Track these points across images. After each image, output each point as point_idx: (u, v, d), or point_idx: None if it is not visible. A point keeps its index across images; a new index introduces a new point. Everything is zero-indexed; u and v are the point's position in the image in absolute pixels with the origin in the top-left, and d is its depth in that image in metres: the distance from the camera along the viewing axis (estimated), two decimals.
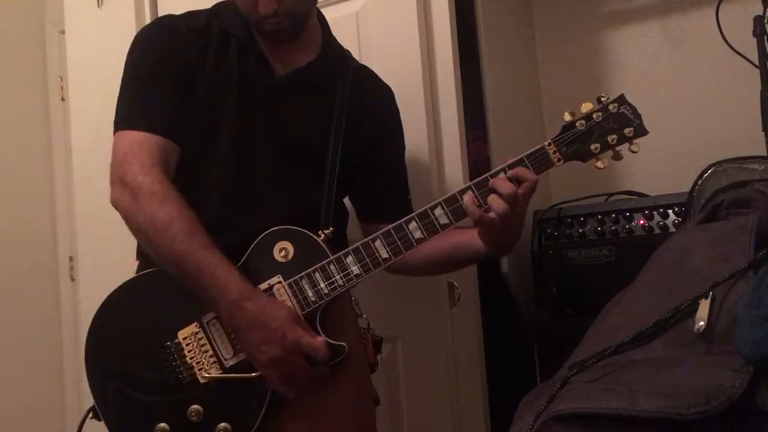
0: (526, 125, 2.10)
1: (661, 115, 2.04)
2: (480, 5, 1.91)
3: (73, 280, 2.87)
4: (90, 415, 1.32)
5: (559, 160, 1.28)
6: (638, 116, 1.28)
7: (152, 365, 1.28)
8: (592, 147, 1.28)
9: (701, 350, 0.82)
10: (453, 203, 1.27)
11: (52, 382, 2.88)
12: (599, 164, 1.30)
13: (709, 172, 1.32)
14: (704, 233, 1.03)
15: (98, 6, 2.15)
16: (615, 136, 1.28)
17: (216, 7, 1.43)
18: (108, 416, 1.30)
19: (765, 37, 1.51)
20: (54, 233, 2.95)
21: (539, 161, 1.28)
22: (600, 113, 1.28)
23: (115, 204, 1.29)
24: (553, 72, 2.19)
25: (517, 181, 1.25)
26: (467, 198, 1.26)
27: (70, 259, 2.90)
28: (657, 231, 1.65)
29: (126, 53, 1.38)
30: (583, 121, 1.28)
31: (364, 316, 1.45)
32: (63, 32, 2.35)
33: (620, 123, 1.28)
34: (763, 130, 1.47)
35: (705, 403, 0.70)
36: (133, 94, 1.34)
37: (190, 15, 1.41)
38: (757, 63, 1.51)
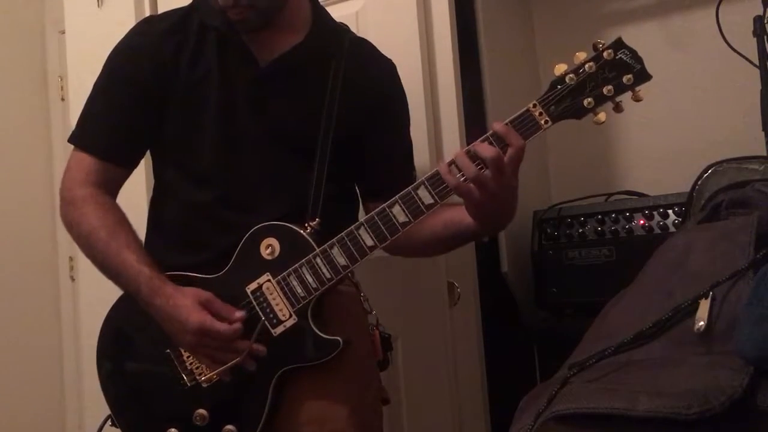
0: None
1: (661, 115, 2.04)
2: (480, 5, 1.91)
3: (73, 280, 2.87)
4: (109, 422, 1.35)
5: (546, 122, 1.16)
6: (639, 60, 1.15)
7: (157, 373, 1.30)
8: (585, 102, 1.15)
9: (701, 350, 0.82)
10: (437, 181, 1.19)
11: (52, 382, 2.88)
12: (599, 118, 1.16)
13: (709, 172, 1.32)
14: (704, 233, 1.03)
15: (98, 6, 2.15)
16: (611, 87, 1.14)
17: (196, 1, 1.39)
18: (122, 424, 1.33)
19: (765, 37, 1.51)
20: (54, 233, 2.94)
21: (524, 126, 1.16)
22: (593, 63, 1.15)
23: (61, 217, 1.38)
24: (553, 72, 2.19)
25: (501, 145, 1.14)
26: (443, 167, 1.17)
27: (70, 259, 2.89)
28: (657, 231, 1.65)
29: None
30: (573, 75, 1.16)
31: (373, 312, 1.42)
32: (63, 32, 2.35)
33: (617, 71, 1.14)
34: (763, 130, 1.47)
35: (705, 403, 0.70)
36: (87, 112, 1.39)
37: (170, 13, 1.40)
38: (757, 63, 1.51)
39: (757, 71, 1.50)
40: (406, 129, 1.49)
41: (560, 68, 1.18)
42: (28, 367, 2.81)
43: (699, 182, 1.33)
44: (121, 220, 1.33)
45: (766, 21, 1.51)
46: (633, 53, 1.15)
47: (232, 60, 1.34)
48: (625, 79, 1.15)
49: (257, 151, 1.34)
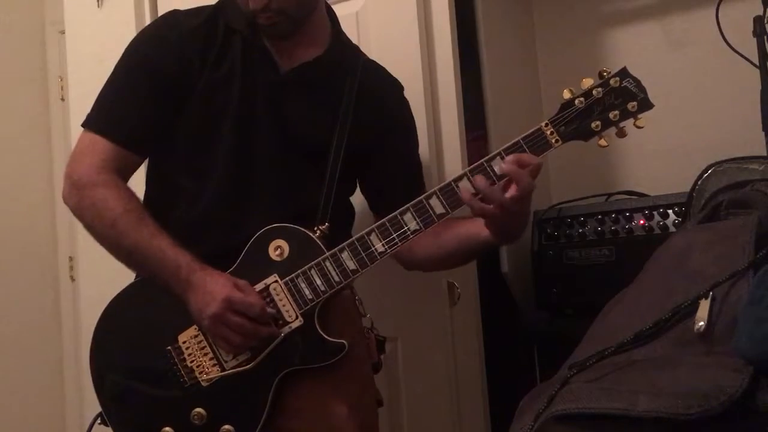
0: (526, 125, 2.09)
1: (661, 115, 2.03)
2: (480, 5, 1.91)
3: (73, 280, 2.87)
4: (98, 421, 1.34)
5: (557, 141, 1.22)
6: (642, 89, 1.22)
7: (155, 370, 1.29)
8: (593, 125, 1.22)
9: (701, 350, 0.82)
10: (448, 192, 1.24)
11: (52, 382, 2.88)
12: (602, 142, 1.23)
13: (709, 172, 1.32)
14: (704, 233, 1.03)
15: (98, 6, 2.14)
16: (617, 112, 1.21)
17: (222, 2, 1.41)
18: (114, 421, 1.31)
19: (765, 37, 1.51)
20: (54, 233, 2.95)
21: (536, 143, 1.22)
22: (600, 89, 1.21)
23: (64, 199, 1.34)
24: (553, 71, 2.19)
25: (519, 166, 1.20)
26: (465, 192, 1.21)
27: (70, 259, 2.90)
28: (657, 231, 1.65)
29: None
30: (582, 99, 1.22)
31: (367, 315, 1.44)
32: (63, 32, 2.35)
33: (623, 98, 1.21)
34: (763, 130, 1.47)
35: (705, 404, 0.70)
36: (107, 96, 1.37)
37: (197, 11, 1.40)
38: (757, 63, 1.51)
39: (757, 71, 1.50)
40: (413, 146, 1.54)
41: (568, 93, 1.23)
42: (28, 367, 2.81)
43: (699, 182, 1.33)
44: (144, 207, 1.32)
45: (766, 21, 1.51)
46: (637, 82, 1.22)
47: (255, 64, 1.36)
48: (630, 106, 1.22)
49: (271, 153, 1.35)
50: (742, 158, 1.32)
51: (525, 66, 2.19)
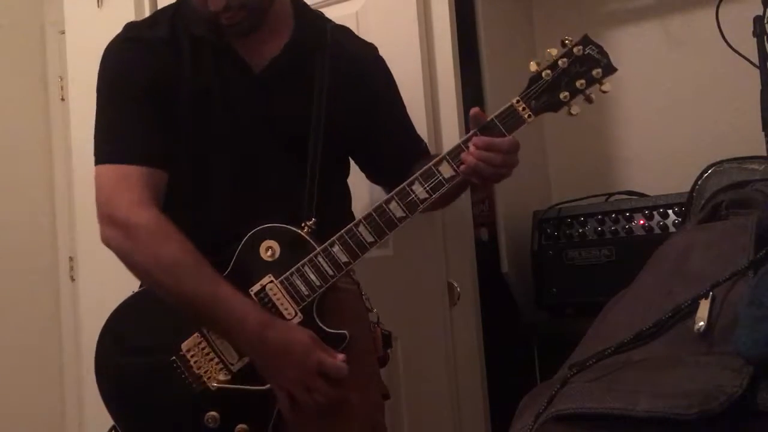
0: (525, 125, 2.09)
1: (661, 115, 2.04)
2: (480, 5, 1.91)
3: (73, 280, 2.87)
4: None
5: (529, 116, 1.25)
6: (605, 55, 1.25)
7: (163, 380, 1.29)
8: (562, 96, 1.24)
9: (701, 350, 0.82)
10: (430, 177, 1.26)
11: (52, 382, 2.88)
12: (572, 111, 1.26)
13: (709, 172, 1.32)
14: (704, 233, 1.03)
15: (98, 6, 2.15)
16: (583, 80, 1.24)
17: (177, 6, 1.37)
18: None
19: (765, 37, 1.51)
20: (54, 233, 2.95)
21: (509, 120, 1.25)
22: (565, 59, 1.24)
23: (107, 243, 1.28)
24: None
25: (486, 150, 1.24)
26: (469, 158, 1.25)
27: (70, 259, 2.89)
28: (657, 231, 1.65)
29: None
30: (548, 71, 1.25)
31: (375, 310, 1.44)
32: (63, 32, 2.35)
33: (587, 65, 1.24)
34: (763, 130, 1.47)
35: (705, 404, 0.70)
36: (108, 124, 1.32)
37: (153, 20, 1.37)
38: (757, 63, 1.51)
39: (757, 71, 1.50)
40: (402, 106, 1.51)
41: (534, 65, 1.26)
42: (28, 367, 2.81)
43: (699, 182, 1.33)
44: (198, 252, 1.24)
45: (766, 21, 1.51)
46: (599, 48, 1.25)
47: (228, 70, 1.34)
48: (594, 72, 1.24)
49: (262, 155, 1.35)
50: (742, 158, 1.32)
51: (525, 66, 2.19)
